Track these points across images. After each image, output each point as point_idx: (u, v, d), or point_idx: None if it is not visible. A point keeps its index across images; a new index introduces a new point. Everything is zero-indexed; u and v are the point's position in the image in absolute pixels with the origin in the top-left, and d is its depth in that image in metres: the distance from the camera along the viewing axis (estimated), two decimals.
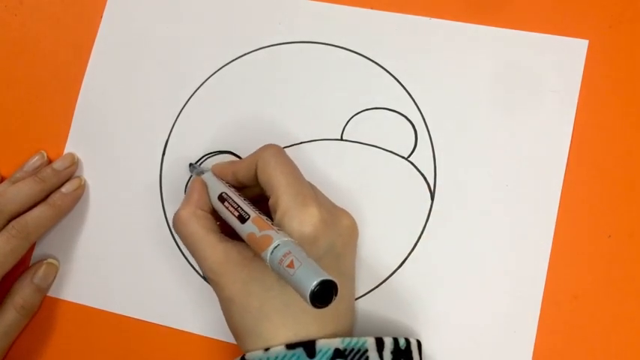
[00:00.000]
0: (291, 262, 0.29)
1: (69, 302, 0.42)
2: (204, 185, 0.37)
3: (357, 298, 0.38)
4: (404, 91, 0.40)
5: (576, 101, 0.38)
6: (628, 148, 0.37)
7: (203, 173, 0.39)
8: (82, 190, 0.43)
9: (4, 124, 0.45)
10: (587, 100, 0.38)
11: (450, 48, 0.40)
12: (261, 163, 0.35)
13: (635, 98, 0.38)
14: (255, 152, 0.37)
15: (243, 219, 0.34)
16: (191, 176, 0.41)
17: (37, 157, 0.43)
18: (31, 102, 0.45)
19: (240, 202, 0.35)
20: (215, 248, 0.34)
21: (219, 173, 0.38)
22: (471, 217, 0.38)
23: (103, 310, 0.41)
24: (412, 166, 0.39)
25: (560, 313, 0.36)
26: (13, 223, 0.40)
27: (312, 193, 0.34)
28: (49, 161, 0.43)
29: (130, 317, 0.41)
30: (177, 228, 0.36)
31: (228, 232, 0.36)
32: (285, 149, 0.40)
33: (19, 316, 0.40)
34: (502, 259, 0.37)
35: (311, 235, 0.33)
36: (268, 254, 0.30)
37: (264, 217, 0.33)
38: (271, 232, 0.31)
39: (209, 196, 0.37)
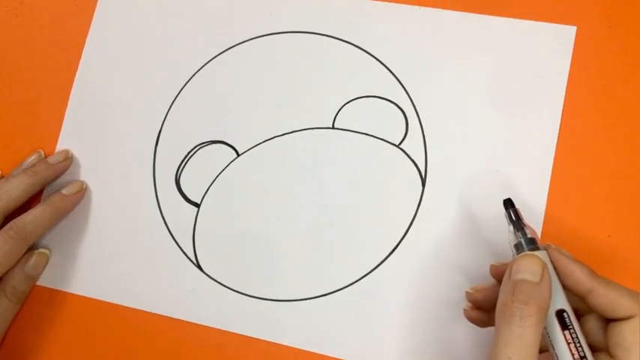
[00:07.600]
0: None
1: (69, 294, 0.42)
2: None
3: (348, 285, 0.38)
4: (394, 79, 0.41)
5: (565, 86, 0.38)
6: (627, 145, 0.37)
7: (537, 249, 0.30)
8: (82, 193, 0.42)
9: (3, 123, 0.45)
10: (576, 86, 0.38)
11: (438, 36, 0.40)
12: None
13: (624, 85, 0.38)
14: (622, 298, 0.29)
15: None
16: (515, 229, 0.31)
17: (34, 156, 0.43)
18: (32, 102, 0.45)
19: (582, 338, 0.28)
20: None
21: (560, 269, 0.29)
22: (463, 203, 0.38)
23: (102, 301, 0.41)
24: (403, 154, 0.40)
25: None
26: (11, 224, 0.40)
27: None
28: None
29: (128, 307, 0.41)
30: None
31: None
32: (276, 139, 0.41)
33: (9, 302, 0.40)
34: (493, 246, 0.37)
35: None
36: None
37: None
38: None
39: None
